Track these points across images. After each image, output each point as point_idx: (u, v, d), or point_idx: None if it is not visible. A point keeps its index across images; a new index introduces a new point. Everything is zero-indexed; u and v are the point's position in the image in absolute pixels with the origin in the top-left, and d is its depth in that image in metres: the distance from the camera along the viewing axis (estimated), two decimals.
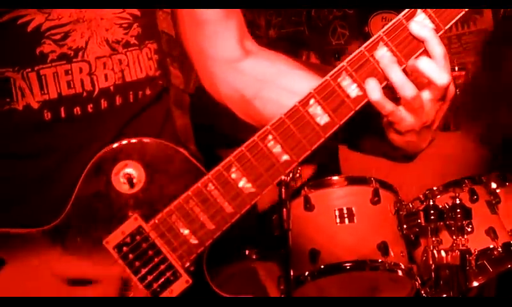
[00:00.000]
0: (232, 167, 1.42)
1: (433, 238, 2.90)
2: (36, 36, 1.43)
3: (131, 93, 1.53)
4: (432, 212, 2.87)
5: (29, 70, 1.44)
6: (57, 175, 1.49)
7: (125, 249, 1.43)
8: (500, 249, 2.91)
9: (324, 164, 3.32)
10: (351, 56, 1.39)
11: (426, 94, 1.39)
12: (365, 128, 1.50)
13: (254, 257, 2.79)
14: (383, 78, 1.39)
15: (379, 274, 2.85)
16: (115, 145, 1.44)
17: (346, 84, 1.39)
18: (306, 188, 2.98)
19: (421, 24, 1.37)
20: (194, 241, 1.44)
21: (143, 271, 1.44)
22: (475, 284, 2.89)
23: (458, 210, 2.85)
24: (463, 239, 2.88)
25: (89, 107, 1.49)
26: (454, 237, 2.87)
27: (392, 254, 2.85)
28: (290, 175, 2.75)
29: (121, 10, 1.50)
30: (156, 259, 1.44)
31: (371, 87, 1.38)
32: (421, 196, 3.02)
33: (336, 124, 1.41)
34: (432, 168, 3.21)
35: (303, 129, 1.41)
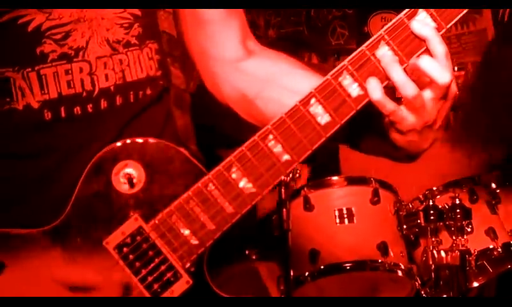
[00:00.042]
0: (232, 167, 1.41)
1: (433, 239, 2.90)
2: (36, 35, 1.42)
3: (131, 93, 1.53)
4: (432, 212, 2.87)
5: (29, 69, 1.43)
6: (57, 175, 1.49)
7: (125, 249, 1.43)
8: (500, 250, 2.91)
9: (323, 163, 3.32)
10: (352, 55, 1.39)
11: (428, 94, 1.38)
12: (367, 128, 1.49)
13: (254, 257, 2.79)
14: (384, 77, 1.38)
15: (379, 274, 2.85)
16: (115, 145, 1.43)
17: (347, 83, 1.39)
18: (305, 189, 2.98)
19: (422, 23, 1.36)
20: (194, 241, 1.43)
21: (144, 272, 1.43)
22: (475, 284, 2.89)
23: (458, 210, 2.85)
24: (462, 239, 2.88)
25: (89, 107, 1.48)
26: (454, 237, 2.87)
27: (391, 254, 2.85)
28: (290, 175, 2.74)
29: (122, 10, 1.50)
30: (156, 260, 1.43)
31: (372, 86, 1.37)
32: (421, 196, 3.03)
33: (337, 123, 1.40)
34: (432, 168, 3.21)
35: (303, 129, 1.40)
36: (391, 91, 1.39)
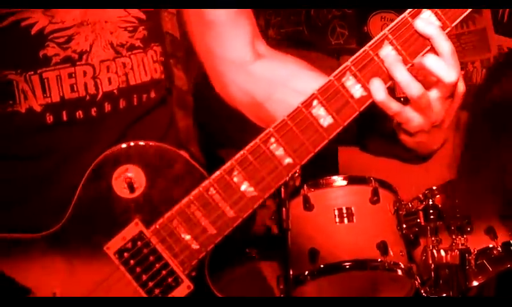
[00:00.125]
0: (233, 170, 1.40)
1: (433, 238, 2.89)
2: (39, 39, 1.41)
3: (135, 96, 1.52)
4: (431, 211, 2.86)
5: (32, 72, 1.42)
6: (58, 177, 1.48)
7: (126, 254, 1.41)
8: (499, 249, 2.91)
9: (323, 164, 3.30)
10: (355, 55, 1.36)
11: (434, 93, 1.34)
12: (377, 129, 1.47)
13: (255, 256, 2.78)
14: (387, 77, 1.35)
15: (379, 273, 2.85)
16: (115, 148, 1.42)
17: (350, 84, 1.36)
18: (305, 188, 2.96)
19: (427, 21, 1.33)
20: (195, 246, 1.42)
21: (144, 277, 1.42)
22: (475, 283, 2.89)
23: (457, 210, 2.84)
24: (462, 238, 2.87)
25: (93, 111, 1.47)
26: (454, 237, 2.87)
27: (391, 253, 2.84)
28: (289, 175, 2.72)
29: (126, 13, 1.49)
30: (157, 265, 1.42)
31: (376, 87, 1.34)
32: (420, 196, 3.01)
33: (340, 125, 1.37)
34: (432, 168, 3.20)
35: (306, 131, 1.38)
36: (391, 91, 1.37)
